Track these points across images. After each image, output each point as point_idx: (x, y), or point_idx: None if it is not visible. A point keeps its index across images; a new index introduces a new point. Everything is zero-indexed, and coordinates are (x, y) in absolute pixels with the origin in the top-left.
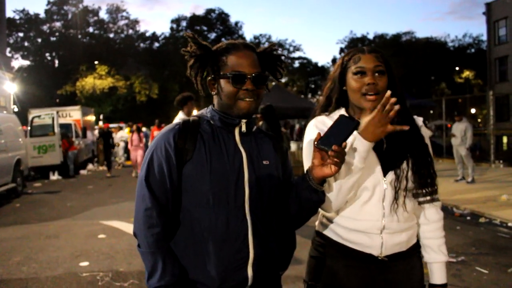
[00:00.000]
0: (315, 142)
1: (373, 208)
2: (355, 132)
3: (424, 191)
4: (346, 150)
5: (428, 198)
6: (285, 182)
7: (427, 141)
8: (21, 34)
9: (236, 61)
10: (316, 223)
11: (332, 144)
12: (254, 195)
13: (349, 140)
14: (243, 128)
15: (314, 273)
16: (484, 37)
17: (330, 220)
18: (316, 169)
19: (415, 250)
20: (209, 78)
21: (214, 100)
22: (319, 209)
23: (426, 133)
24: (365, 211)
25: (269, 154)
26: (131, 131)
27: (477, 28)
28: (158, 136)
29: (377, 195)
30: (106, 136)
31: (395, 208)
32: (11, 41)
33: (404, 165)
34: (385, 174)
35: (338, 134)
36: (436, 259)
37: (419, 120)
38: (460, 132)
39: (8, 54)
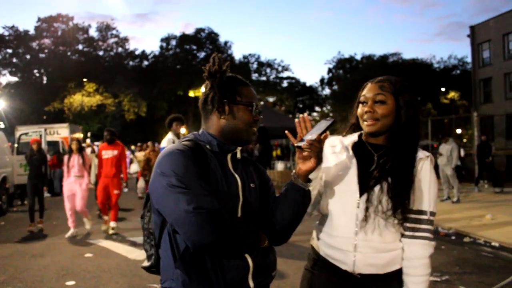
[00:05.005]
0: (295, 144)
1: (345, 225)
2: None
3: (404, 224)
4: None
5: (410, 233)
6: (270, 199)
7: (424, 176)
8: (9, 50)
9: (248, 93)
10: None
11: (307, 139)
12: (245, 215)
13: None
14: (238, 155)
15: (302, 285)
16: (469, 59)
17: (318, 235)
18: (299, 165)
19: (397, 276)
20: (223, 101)
21: (215, 124)
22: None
23: (426, 167)
24: (339, 227)
25: (254, 177)
26: (68, 152)
27: (464, 50)
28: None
29: (350, 213)
30: (35, 161)
31: (365, 228)
32: (0, 57)
33: (379, 188)
34: (361, 194)
35: (315, 131)
36: None
37: (423, 153)
38: (447, 152)
39: None
